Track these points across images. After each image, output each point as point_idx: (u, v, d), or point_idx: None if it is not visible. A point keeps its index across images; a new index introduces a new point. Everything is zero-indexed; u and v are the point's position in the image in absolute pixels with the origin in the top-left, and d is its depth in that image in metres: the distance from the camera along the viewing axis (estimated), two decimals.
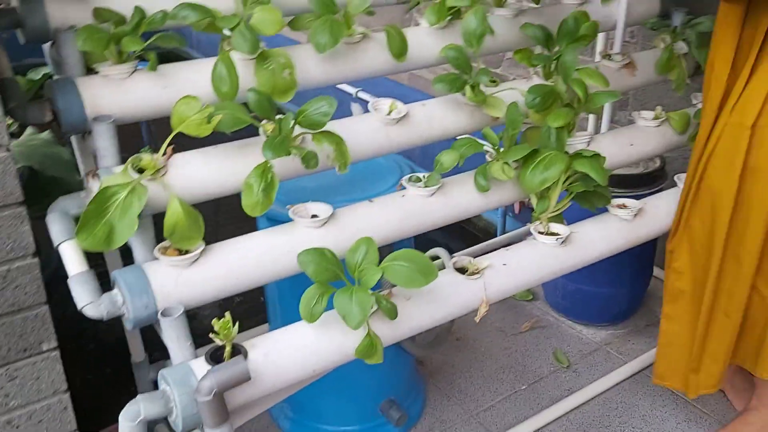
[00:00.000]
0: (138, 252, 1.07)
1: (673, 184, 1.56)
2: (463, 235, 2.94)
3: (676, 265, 1.51)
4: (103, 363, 2.12)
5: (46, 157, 1.39)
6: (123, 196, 0.97)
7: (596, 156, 1.31)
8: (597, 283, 1.98)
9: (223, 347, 1.01)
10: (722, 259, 1.39)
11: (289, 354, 1.05)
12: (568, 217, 1.52)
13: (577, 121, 1.45)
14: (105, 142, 1.10)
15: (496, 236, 2.63)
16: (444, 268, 1.26)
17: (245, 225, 1.32)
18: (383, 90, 2.39)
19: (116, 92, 1.12)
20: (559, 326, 2.11)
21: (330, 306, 1.04)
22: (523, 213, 2.70)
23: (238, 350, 1.01)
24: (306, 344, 1.06)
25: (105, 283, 1.06)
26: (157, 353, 1.40)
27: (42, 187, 1.26)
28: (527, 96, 1.36)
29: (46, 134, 1.49)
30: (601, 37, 1.83)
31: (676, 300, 1.52)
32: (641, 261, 2.01)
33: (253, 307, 2.11)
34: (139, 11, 1.17)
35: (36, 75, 1.49)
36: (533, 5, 1.59)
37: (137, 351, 1.57)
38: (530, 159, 1.30)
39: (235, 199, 1.12)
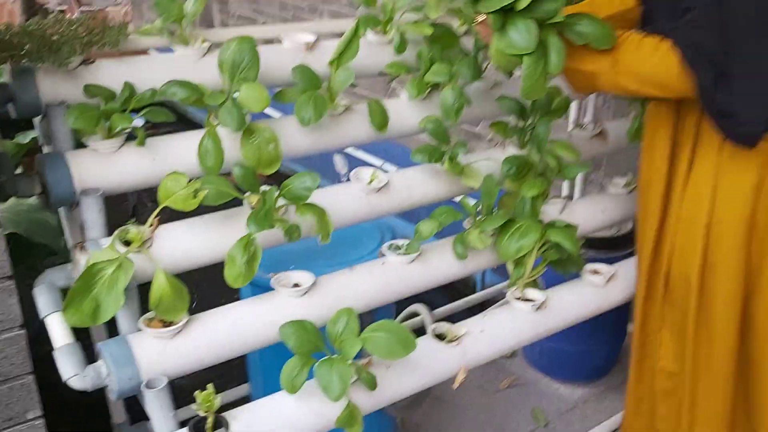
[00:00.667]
0: (123, 323, 1.09)
1: None
2: (444, 286, 2.97)
3: (663, 363, 1.41)
4: (84, 423, 2.09)
5: (33, 223, 1.41)
6: (110, 272, 1.00)
7: (568, 226, 1.36)
8: (573, 341, 2.02)
9: (205, 418, 1.02)
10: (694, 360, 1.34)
11: (271, 425, 1.06)
12: (544, 278, 1.57)
13: (551, 186, 1.51)
14: (92, 215, 1.13)
15: (475, 288, 2.67)
16: (422, 325, 1.30)
17: (226, 289, 1.35)
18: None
19: (105, 166, 1.16)
20: (538, 383, 2.13)
21: (311, 376, 1.07)
22: (501, 267, 2.74)
23: (220, 422, 1.03)
24: (287, 415, 1.08)
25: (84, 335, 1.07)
26: (138, 413, 1.41)
27: (29, 252, 1.28)
28: (503, 166, 1.42)
29: (33, 200, 1.52)
30: (574, 106, 1.90)
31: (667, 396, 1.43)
32: (616, 318, 2.05)
33: (235, 366, 2.11)
34: (128, 87, 1.21)
35: (24, 139, 1.52)
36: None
37: (118, 412, 1.57)
38: (506, 228, 1.35)
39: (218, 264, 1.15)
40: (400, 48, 1.49)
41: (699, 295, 1.29)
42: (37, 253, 1.40)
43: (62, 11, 5.88)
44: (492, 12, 1.14)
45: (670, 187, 1.32)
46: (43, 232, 1.41)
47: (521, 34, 1.15)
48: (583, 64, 1.25)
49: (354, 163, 3.33)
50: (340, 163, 3.53)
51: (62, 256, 1.47)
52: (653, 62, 1.18)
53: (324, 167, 3.60)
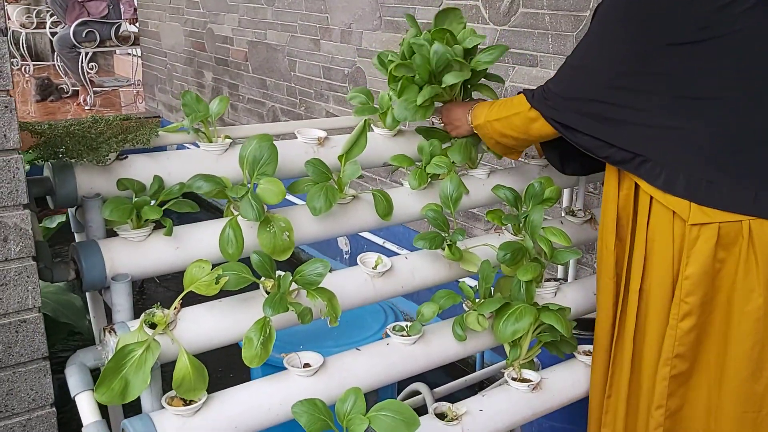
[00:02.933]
0: (146, 401, 1.17)
1: None
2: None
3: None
4: None
5: (59, 305, 1.50)
6: (139, 354, 1.09)
7: (561, 309, 1.45)
8: (573, 420, 2.07)
9: None
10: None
11: None
12: (541, 357, 1.65)
13: (546, 268, 1.61)
14: (121, 299, 1.23)
15: (475, 367, 2.73)
16: (424, 403, 1.37)
17: (237, 365, 1.42)
18: None
19: (134, 253, 1.26)
20: None
21: None
22: (500, 346, 2.81)
23: None
24: None
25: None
26: None
27: (53, 332, 1.37)
28: (499, 252, 1.52)
29: (59, 283, 1.61)
30: (566, 193, 2.02)
31: None
32: None
33: None
34: (157, 180, 1.33)
35: (51, 223, 1.63)
36: (503, 166, 1.79)
37: None
38: (502, 311, 1.44)
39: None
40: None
41: (631, 360, 1.39)
42: (59, 331, 1.48)
43: (76, 91, 6.14)
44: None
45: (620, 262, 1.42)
46: (68, 312, 1.50)
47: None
48: (477, 119, 1.59)
49: (356, 240, 3.45)
50: (342, 241, 3.65)
51: (83, 337, 1.56)
52: (511, 106, 1.49)
53: (327, 246, 3.71)
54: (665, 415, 1.34)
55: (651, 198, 1.32)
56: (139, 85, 6.26)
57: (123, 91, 6.63)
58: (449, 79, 1.56)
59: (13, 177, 1.03)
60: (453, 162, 1.63)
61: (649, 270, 1.34)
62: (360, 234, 3.30)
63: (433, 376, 2.25)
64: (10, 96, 1.00)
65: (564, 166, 1.59)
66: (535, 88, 1.44)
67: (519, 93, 1.47)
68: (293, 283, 1.28)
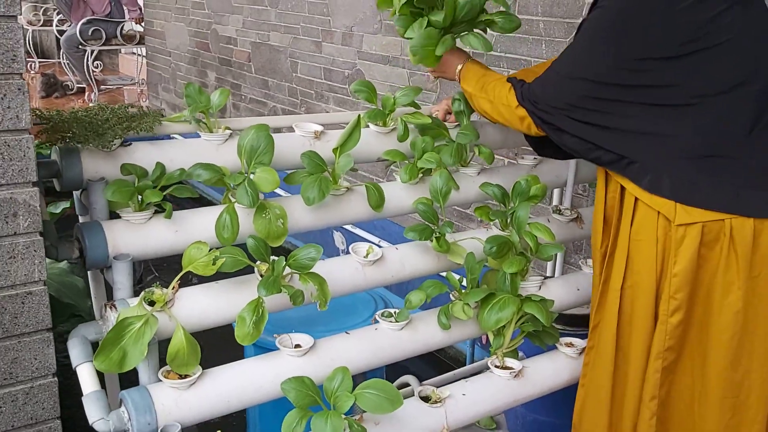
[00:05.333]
0: (143, 374, 1.23)
1: None
2: (436, 363, 3.09)
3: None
4: None
5: (63, 285, 1.56)
6: (138, 326, 1.15)
7: (543, 300, 1.51)
8: (558, 413, 2.12)
9: None
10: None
11: None
12: (525, 350, 1.70)
13: (530, 266, 1.67)
14: (122, 277, 1.29)
15: (465, 364, 2.78)
16: (412, 395, 1.43)
17: (231, 347, 1.48)
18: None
19: (135, 235, 1.32)
20: None
21: (308, 428, 1.20)
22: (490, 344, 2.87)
23: None
24: None
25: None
26: None
27: (59, 312, 1.42)
28: (485, 245, 1.58)
29: (63, 264, 1.68)
30: (556, 193, 2.09)
31: None
32: None
33: (235, 417, 2.21)
34: (159, 166, 1.39)
35: (55, 209, 1.70)
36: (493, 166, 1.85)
37: None
38: (487, 301, 1.50)
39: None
40: (404, 136, 1.68)
41: (614, 353, 1.45)
42: (62, 312, 1.54)
43: (81, 89, 6.21)
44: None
45: (604, 258, 1.47)
46: (70, 293, 1.56)
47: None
48: (467, 86, 1.63)
49: (352, 238, 3.51)
50: (339, 240, 3.71)
51: (84, 318, 1.61)
52: (500, 93, 1.52)
53: (324, 244, 3.77)
54: (658, 404, 1.40)
55: (636, 199, 1.38)
56: (143, 83, 6.34)
57: (127, 90, 6.70)
58: (474, 42, 1.60)
59: (24, 155, 1.09)
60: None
61: (633, 269, 1.40)
62: (356, 233, 3.36)
63: (422, 373, 2.31)
64: (23, 79, 1.06)
65: (541, 148, 1.63)
66: (518, 80, 1.50)
67: (507, 81, 1.52)
68: (287, 267, 1.34)
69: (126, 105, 1.47)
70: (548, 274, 2.29)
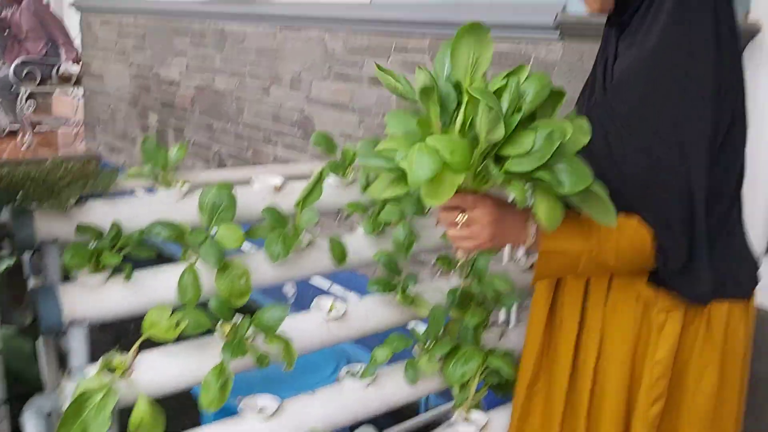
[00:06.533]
0: None
1: None
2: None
3: None
4: None
5: (10, 350, 1.47)
6: (98, 399, 1.09)
7: (506, 353, 1.52)
8: None
9: None
10: None
11: None
12: (488, 399, 1.70)
13: (491, 314, 1.68)
14: (78, 344, 1.23)
15: (419, 410, 2.76)
16: None
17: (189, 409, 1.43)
18: None
19: (92, 298, 1.27)
20: None
21: None
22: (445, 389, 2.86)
23: None
24: None
25: None
26: None
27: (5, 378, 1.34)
28: (447, 297, 1.59)
29: (10, 328, 1.58)
30: None
31: None
32: None
33: None
34: (115, 226, 1.34)
35: None
36: None
37: None
38: (451, 354, 1.51)
39: None
40: (366, 188, 1.68)
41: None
42: (7, 378, 1.45)
43: (14, 131, 6.00)
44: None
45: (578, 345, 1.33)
46: (18, 359, 1.47)
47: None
48: (570, 243, 1.13)
49: (301, 284, 3.46)
50: (288, 286, 3.66)
51: (32, 384, 1.52)
52: (628, 235, 1.12)
53: (269, 290, 3.71)
54: None
55: (610, 277, 1.25)
56: (79, 125, 6.16)
57: (62, 131, 6.51)
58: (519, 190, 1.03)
59: None
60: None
61: (606, 350, 1.27)
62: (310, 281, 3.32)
63: (378, 422, 2.27)
64: None
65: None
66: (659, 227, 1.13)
67: (639, 225, 1.13)
68: (251, 327, 1.31)
69: (84, 160, 1.42)
70: (503, 318, 2.31)
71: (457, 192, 0.99)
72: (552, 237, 1.12)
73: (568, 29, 2.21)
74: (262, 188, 1.59)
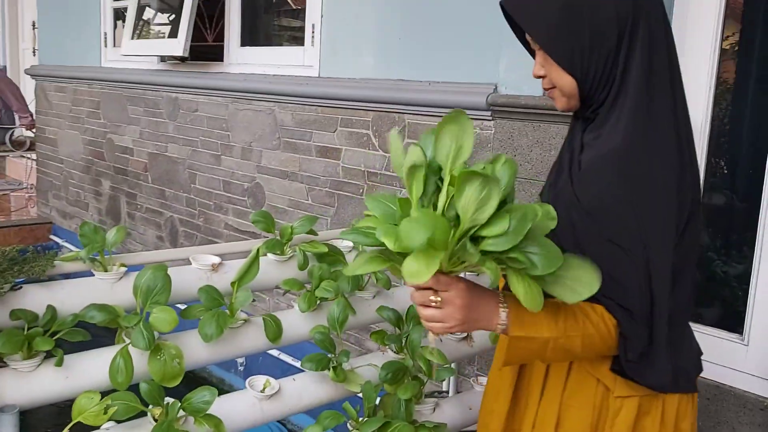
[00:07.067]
0: None
1: None
2: None
3: None
4: None
5: None
6: None
7: (437, 426, 1.57)
8: None
9: None
10: None
11: None
12: None
13: (425, 387, 1.73)
14: (8, 429, 1.24)
15: None
16: None
17: None
18: None
19: (24, 384, 1.28)
20: None
21: None
22: None
23: None
24: None
25: None
26: None
27: None
28: (381, 372, 1.64)
29: None
30: None
31: None
32: None
33: None
34: (50, 310, 1.37)
35: None
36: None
37: None
38: (382, 430, 1.55)
39: None
40: (303, 265, 1.74)
41: None
42: None
43: None
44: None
45: (512, 419, 1.36)
46: None
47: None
48: (538, 330, 1.14)
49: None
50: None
51: None
52: (594, 322, 1.15)
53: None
54: None
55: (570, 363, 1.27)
56: (31, 189, 6.12)
57: (14, 195, 6.44)
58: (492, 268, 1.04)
59: None
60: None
61: (563, 430, 1.28)
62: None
63: None
64: None
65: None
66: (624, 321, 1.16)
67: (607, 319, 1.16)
68: (181, 410, 1.34)
69: (18, 247, 1.45)
70: (444, 388, 2.36)
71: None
72: (521, 324, 1.13)
73: (498, 109, 2.35)
74: (199, 268, 1.63)
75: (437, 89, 2.60)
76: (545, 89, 1.27)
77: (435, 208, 1.06)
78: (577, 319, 1.14)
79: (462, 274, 1.16)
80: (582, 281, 1.08)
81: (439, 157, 1.09)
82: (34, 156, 5.93)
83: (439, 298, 1.10)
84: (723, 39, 2.06)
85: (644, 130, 1.15)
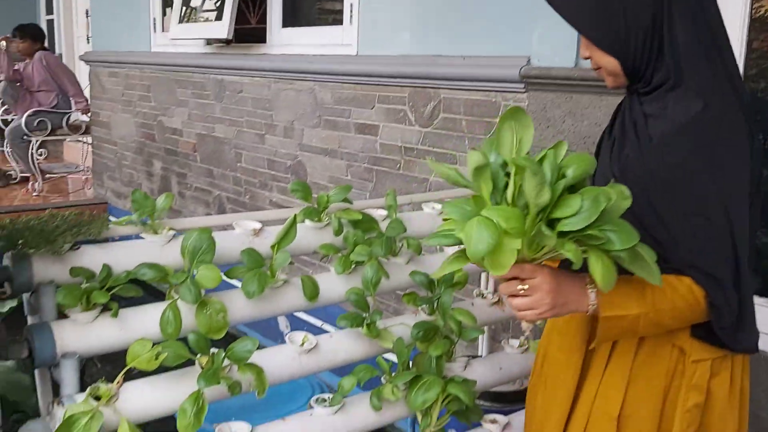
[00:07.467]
0: None
1: None
2: None
3: None
4: None
5: (9, 383, 1.62)
6: (84, 422, 1.23)
7: (466, 381, 1.65)
8: None
9: None
10: None
11: None
12: (455, 428, 1.82)
13: (456, 348, 1.81)
14: (69, 374, 1.37)
15: None
16: None
17: None
18: None
19: (82, 334, 1.41)
20: None
21: None
22: None
23: None
24: None
25: None
26: None
27: (5, 409, 1.48)
28: (413, 330, 1.73)
29: (10, 363, 1.73)
30: (483, 278, 2.26)
31: None
32: None
33: None
34: (105, 268, 1.49)
35: (3, 307, 1.77)
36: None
37: None
38: (414, 383, 1.63)
39: None
40: (338, 231, 1.83)
41: None
42: (7, 409, 1.59)
43: (25, 177, 6.23)
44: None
45: (583, 380, 1.36)
46: (17, 391, 1.61)
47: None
48: (628, 308, 1.17)
49: (296, 322, 3.61)
50: (283, 324, 3.79)
51: (29, 414, 1.66)
52: (682, 294, 1.18)
53: (269, 327, 3.85)
54: None
55: None
56: (88, 171, 6.39)
57: (71, 178, 6.74)
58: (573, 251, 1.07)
59: None
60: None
61: (633, 398, 1.29)
62: (299, 316, 3.46)
63: None
64: None
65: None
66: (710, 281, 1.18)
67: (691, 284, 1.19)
68: (226, 359, 1.45)
69: (76, 212, 1.58)
70: (479, 353, 2.43)
71: (515, 263, 1.06)
72: (610, 303, 1.16)
73: (531, 81, 2.38)
74: (241, 232, 1.74)
75: (471, 63, 2.65)
76: (593, 69, 1.31)
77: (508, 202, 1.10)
78: (665, 293, 1.16)
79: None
80: (651, 268, 1.10)
81: (503, 153, 1.15)
82: (89, 139, 6.19)
83: (526, 286, 1.14)
84: (753, 8, 2.05)
85: (712, 98, 1.18)
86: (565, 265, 1.18)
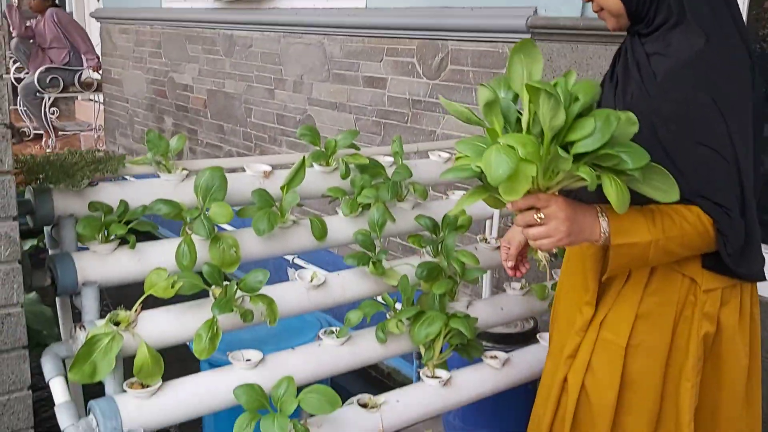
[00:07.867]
0: (109, 386, 1.39)
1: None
2: (375, 383, 3.26)
3: None
4: None
5: (32, 314, 1.70)
6: (106, 342, 1.31)
7: (467, 316, 1.72)
8: (482, 424, 2.31)
9: None
10: None
11: None
12: (455, 365, 1.90)
13: (459, 288, 1.87)
14: (90, 302, 1.45)
15: (401, 381, 2.95)
16: None
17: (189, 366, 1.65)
18: (315, 256, 2.80)
19: (102, 264, 1.49)
20: None
21: (257, 429, 1.36)
22: None
23: None
24: None
25: None
26: None
27: (29, 337, 1.56)
28: (417, 269, 1.79)
29: (32, 295, 1.81)
30: (488, 223, 2.32)
31: None
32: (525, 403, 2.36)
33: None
34: (123, 203, 1.56)
35: (25, 245, 1.83)
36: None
37: None
38: (417, 318, 1.70)
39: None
40: (346, 174, 1.89)
41: (614, 412, 1.35)
42: (31, 338, 1.67)
43: (38, 134, 6.30)
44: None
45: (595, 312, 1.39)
46: (39, 321, 1.70)
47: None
48: (638, 235, 1.20)
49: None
50: (292, 274, 3.87)
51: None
52: (692, 222, 1.21)
53: (277, 276, 3.93)
54: None
55: None
56: (100, 129, 6.45)
57: (84, 135, 6.80)
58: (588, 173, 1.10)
59: (6, 194, 1.26)
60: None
61: (643, 329, 1.32)
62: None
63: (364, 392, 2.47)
64: (7, 128, 1.24)
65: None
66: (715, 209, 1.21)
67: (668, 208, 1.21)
68: (238, 290, 1.52)
69: (93, 150, 1.64)
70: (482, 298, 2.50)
71: (529, 192, 1.10)
72: (621, 231, 1.19)
73: (538, 31, 2.41)
74: (252, 174, 1.80)
75: (479, 14, 2.66)
76: (595, 12, 1.36)
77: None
78: (674, 221, 1.20)
79: None
80: (668, 183, 1.15)
81: (514, 86, 1.19)
82: (100, 98, 6.24)
83: (542, 215, 1.17)
84: None
85: (714, 33, 1.22)
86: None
